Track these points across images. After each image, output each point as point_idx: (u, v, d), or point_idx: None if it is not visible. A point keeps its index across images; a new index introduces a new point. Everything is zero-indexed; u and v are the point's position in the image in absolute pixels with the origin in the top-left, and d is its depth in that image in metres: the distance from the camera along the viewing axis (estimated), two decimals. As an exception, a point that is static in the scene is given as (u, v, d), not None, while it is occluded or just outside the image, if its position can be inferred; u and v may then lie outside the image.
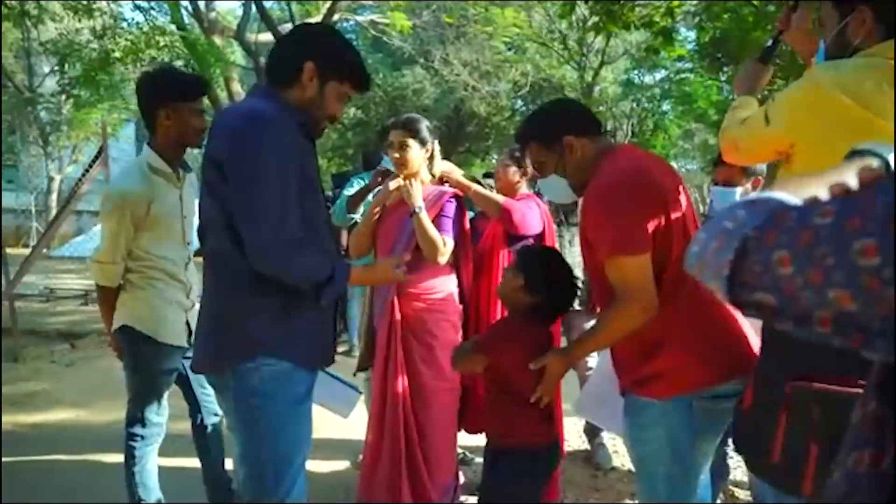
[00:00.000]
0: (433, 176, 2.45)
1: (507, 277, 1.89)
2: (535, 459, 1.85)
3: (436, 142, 2.44)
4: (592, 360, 3.19)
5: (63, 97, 14.83)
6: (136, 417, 2.20)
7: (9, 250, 12.02)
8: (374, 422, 2.42)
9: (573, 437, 3.49)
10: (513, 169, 2.67)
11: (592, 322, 3.14)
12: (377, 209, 2.42)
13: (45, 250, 13.31)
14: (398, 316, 2.35)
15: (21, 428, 3.53)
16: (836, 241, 0.50)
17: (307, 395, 1.61)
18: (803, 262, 0.51)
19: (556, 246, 2.81)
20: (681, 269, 1.47)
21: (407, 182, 2.35)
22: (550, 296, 1.83)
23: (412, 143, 2.35)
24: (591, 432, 3.28)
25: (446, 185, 2.48)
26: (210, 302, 1.58)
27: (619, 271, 1.52)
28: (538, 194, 2.76)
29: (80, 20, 7.69)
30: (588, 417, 2.60)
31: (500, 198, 2.53)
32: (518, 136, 1.81)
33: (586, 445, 3.32)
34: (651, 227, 1.50)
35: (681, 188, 1.63)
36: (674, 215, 1.55)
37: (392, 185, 2.39)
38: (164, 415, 2.26)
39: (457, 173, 2.53)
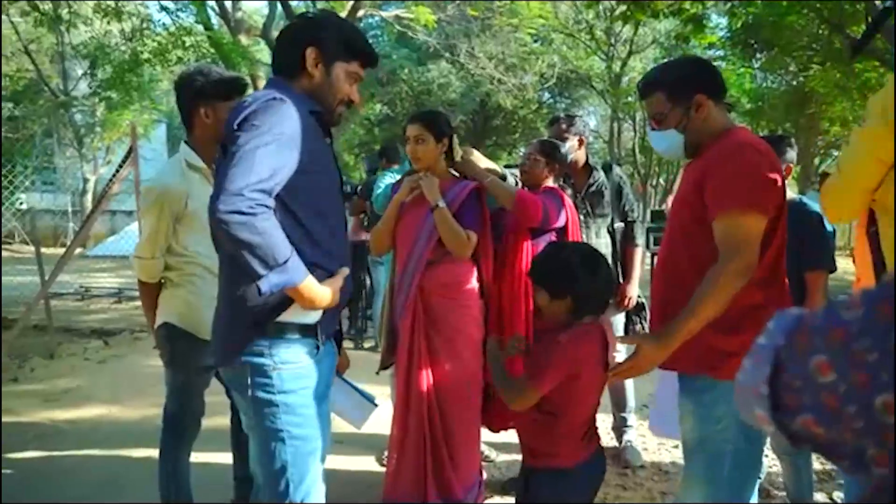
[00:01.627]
0: (451, 169, 2.41)
1: (536, 298, 1.83)
2: (575, 479, 1.77)
3: (454, 136, 2.41)
4: (619, 354, 3.13)
5: (96, 100, 15.19)
6: (173, 414, 2.22)
7: (46, 250, 12.36)
8: (398, 417, 2.41)
9: (601, 434, 3.42)
10: (542, 164, 2.62)
11: (619, 316, 3.14)
12: (396, 206, 2.40)
13: (80, 250, 13.67)
14: (421, 311, 2.33)
15: (58, 423, 3.61)
16: (872, 333, 0.46)
17: (325, 393, 1.59)
18: (843, 364, 0.48)
19: (581, 238, 2.75)
20: (778, 253, 1.57)
21: (425, 177, 2.32)
22: (581, 289, 1.74)
23: (428, 136, 2.34)
24: (620, 430, 3.22)
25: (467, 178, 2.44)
26: (221, 293, 1.56)
27: (735, 226, 1.50)
28: (561, 186, 2.70)
29: (108, 23, 7.84)
30: (663, 434, 2.50)
31: (513, 188, 2.48)
32: (644, 83, 1.75)
33: (615, 443, 3.26)
34: (774, 199, 1.55)
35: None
36: (782, 202, 1.59)
37: (413, 182, 2.36)
38: (201, 412, 2.28)
39: (479, 160, 2.50)
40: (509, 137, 21.43)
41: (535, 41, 17.68)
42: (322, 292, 1.45)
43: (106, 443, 3.30)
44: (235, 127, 1.39)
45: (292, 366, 1.49)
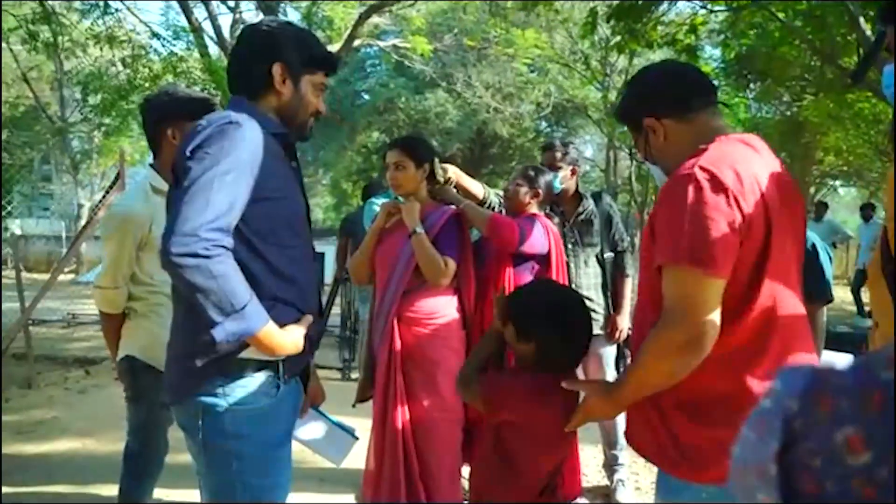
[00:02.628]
0: (433, 195, 2.34)
1: (505, 333, 1.64)
2: None
3: (435, 160, 2.35)
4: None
5: (94, 126, 15.23)
6: (135, 452, 2.11)
7: (39, 276, 12.24)
8: (373, 454, 2.29)
9: (592, 471, 3.30)
10: (524, 189, 2.55)
11: (610, 348, 3.04)
12: (375, 233, 2.33)
13: (72, 276, 13.56)
14: (398, 343, 2.23)
15: (25, 458, 3.46)
16: None
17: (287, 436, 1.47)
18: (882, 440, 0.36)
19: (568, 266, 2.66)
20: (766, 320, 1.21)
21: (406, 202, 2.25)
22: (545, 340, 1.54)
23: (408, 162, 2.28)
24: (611, 468, 3.09)
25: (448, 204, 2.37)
26: (175, 323, 1.43)
27: (675, 285, 1.21)
28: (548, 215, 2.63)
29: (101, 49, 7.87)
30: None
31: (486, 212, 2.41)
32: (615, 113, 1.59)
33: (606, 481, 3.13)
34: (730, 252, 1.19)
35: (792, 204, 1.32)
36: (774, 239, 1.24)
37: (390, 206, 2.29)
38: (164, 451, 2.16)
39: (460, 177, 2.43)
40: (506, 165, 21.48)
41: (532, 71, 17.85)
42: (283, 340, 1.33)
43: (75, 478, 3.16)
44: (188, 155, 1.28)
45: (248, 407, 1.37)
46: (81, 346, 6.43)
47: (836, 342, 2.87)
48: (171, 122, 2.01)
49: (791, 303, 1.29)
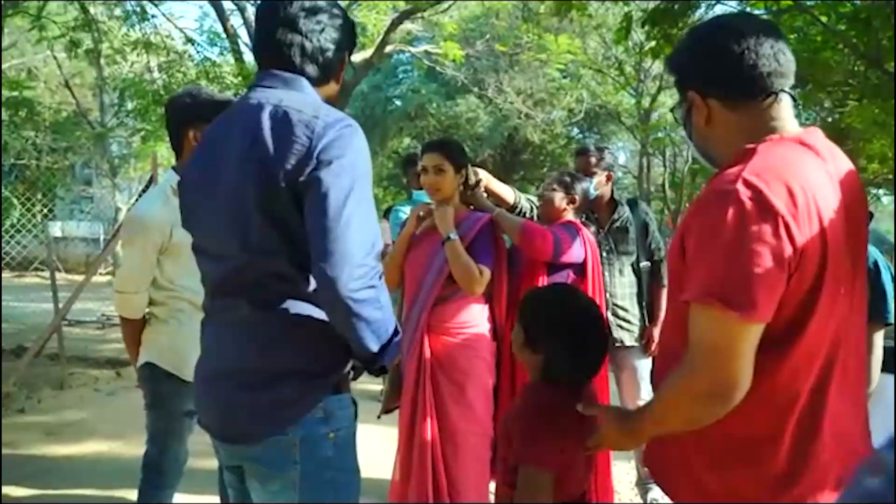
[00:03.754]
0: (464, 200, 2.27)
1: (514, 332, 1.52)
2: None
3: (469, 166, 2.27)
4: (644, 402, 2.89)
5: (133, 131, 15.58)
6: (153, 461, 2.06)
7: (77, 277, 12.54)
8: (399, 468, 2.22)
9: (625, 488, 3.17)
10: (559, 195, 2.46)
11: (646, 361, 2.91)
12: (406, 238, 2.25)
13: (109, 277, 13.84)
14: (428, 353, 2.15)
15: (51, 459, 3.48)
16: None
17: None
18: None
19: (603, 276, 2.55)
20: (814, 350, 1.02)
21: (439, 207, 2.18)
22: (553, 352, 1.42)
23: (448, 166, 2.20)
24: (644, 486, 2.96)
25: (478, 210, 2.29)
26: (238, 350, 1.23)
27: (706, 326, 1.01)
28: (584, 222, 2.52)
29: (138, 56, 8.00)
30: None
31: (519, 220, 2.32)
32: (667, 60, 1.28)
33: (638, 499, 2.99)
34: (781, 284, 0.99)
35: (857, 215, 1.11)
36: (830, 267, 1.03)
37: (421, 210, 2.22)
38: (184, 460, 2.12)
39: (490, 181, 2.35)
40: (537, 172, 21.32)
41: (564, 76, 17.69)
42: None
43: (102, 482, 3.15)
44: (315, 162, 1.13)
45: (346, 431, 1.26)
46: (113, 348, 6.51)
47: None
48: (193, 125, 1.96)
49: (847, 336, 1.10)
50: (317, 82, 1.28)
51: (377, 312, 1.15)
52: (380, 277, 1.16)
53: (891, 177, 15.83)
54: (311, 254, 1.13)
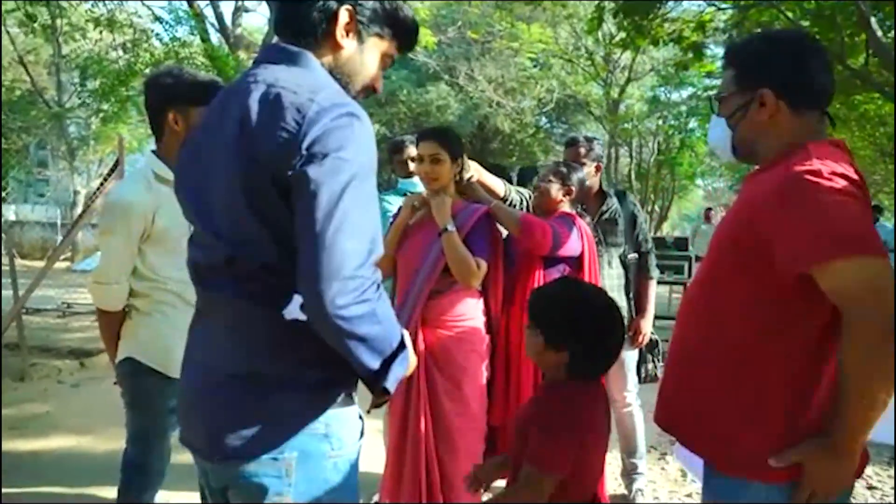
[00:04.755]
0: (460, 191, 2.21)
1: (527, 336, 1.49)
2: None
3: (465, 155, 2.22)
4: (630, 394, 2.90)
5: (92, 112, 15.03)
6: (135, 462, 1.96)
7: (33, 263, 12.06)
8: (391, 464, 2.17)
9: (608, 479, 3.17)
10: (556, 186, 2.42)
11: (632, 353, 2.91)
12: (399, 229, 2.19)
13: (67, 264, 13.38)
14: (422, 346, 2.10)
15: (15, 456, 3.32)
16: None
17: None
18: None
19: (597, 268, 2.53)
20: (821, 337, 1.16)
21: (436, 197, 2.12)
22: (582, 347, 1.41)
23: (445, 155, 2.15)
24: (629, 476, 2.97)
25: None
26: (228, 353, 1.10)
27: (854, 277, 1.08)
28: (580, 213, 2.49)
29: (101, 33, 7.69)
30: (683, 463, 2.27)
31: (517, 213, 2.28)
32: (727, 50, 1.37)
33: (624, 490, 3.01)
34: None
35: None
36: None
37: (415, 200, 2.16)
38: (166, 459, 2.02)
39: (480, 173, 2.30)
40: (507, 160, 21.36)
41: (535, 66, 17.71)
42: (413, 356, 1.17)
43: (69, 478, 3.02)
44: (303, 154, 0.98)
45: (351, 449, 1.12)
46: (76, 337, 6.28)
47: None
48: (174, 106, 1.85)
49: None
50: (314, 44, 1.13)
51: (375, 328, 1.01)
52: (377, 287, 1.02)
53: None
54: (298, 262, 0.99)
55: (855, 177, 1.16)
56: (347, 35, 1.14)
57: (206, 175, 1.11)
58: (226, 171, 1.06)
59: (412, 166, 2.90)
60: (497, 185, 2.48)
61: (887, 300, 1.07)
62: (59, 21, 9.00)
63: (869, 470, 3.22)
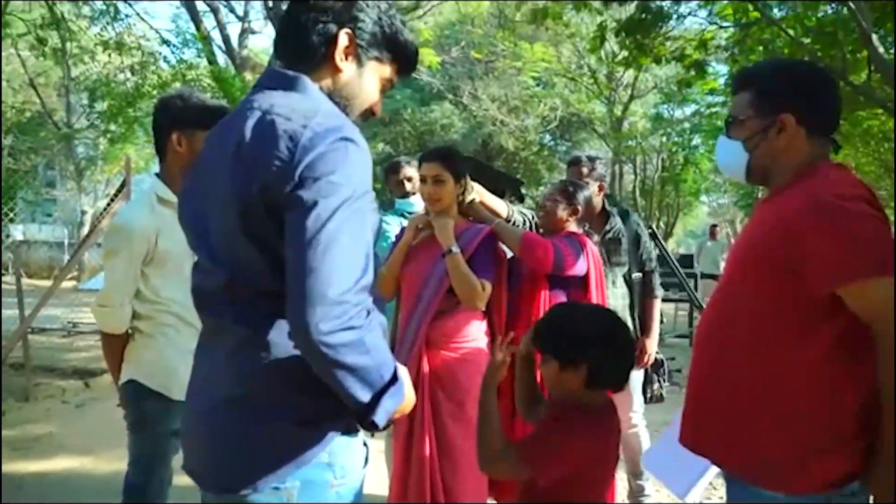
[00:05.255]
0: (462, 212, 2.22)
1: (543, 370, 1.50)
2: None
3: (468, 176, 2.23)
4: (636, 414, 2.88)
5: (100, 133, 15.20)
6: (135, 484, 1.95)
7: (40, 282, 12.11)
8: (395, 486, 2.15)
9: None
10: (561, 206, 2.40)
11: (637, 373, 2.89)
12: (403, 250, 2.20)
13: (73, 283, 13.44)
14: (426, 368, 2.09)
15: (19, 477, 3.31)
16: None
17: None
18: None
19: (603, 289, 2.52)
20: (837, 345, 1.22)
21: (438, 218, 2.13)
22: (599, 356, 1.42)
23: (448, 176, 2.15)
24: (636, 497, 2.94)
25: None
26: (229, 378, 1.08)
27: (885, 293, 1.16)
28: (587, 233, 2.48)
29: (109, 56, 7.79)
30: (654, 473, 2.29)
31: (519, 231, 2.27)
32: (739, 75, 1.44)
33: (631, 510, 2.97)
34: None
35: None
36: None
37: (420, 221, 2.17)
38: (168, 483, 2.01)
39: (482, 195, 2.30)
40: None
41: (538, 84, 17.83)
42: (411, 392, 1.13)
43: (72, 499, 3.01)
44: (296, 180, 0.97)
45: (354, 479, 1.11)
46: (81, 357, 6.28)
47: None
48: (179, 129, 1.87)
49: None
50: (313, 68, 1.12)
51: (363, 358, 0.98)
52: (367, 314, 0.99)
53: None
54: (286, 286, 0.97)
55: (870, 196, 1.24)
56: (347, 58, 1.14)
57: (205, 201, 1.11)
58: (223, 197, 1.05)
59: (408, 186, 2.93)
60: (500, 206, 2.48)
61: None
62: (69, 44, 9.14)
63: None
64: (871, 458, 1.22)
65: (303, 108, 1.04)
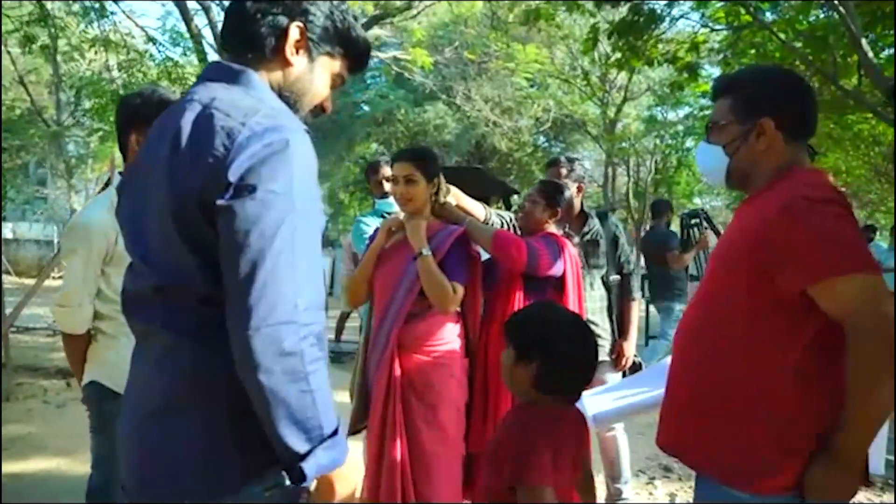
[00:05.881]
0: (435, 213, 2.21)
1: (503, 357, 1.52)
2: None
3: (441, 176, 2.21)
4: (619, 429, 2.86)
5: (91, 131, 15.11)
6: (99, 488, 1.93)
7: (29, 280, 12.04)
8: (367, 488, 2.13)
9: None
10: (541, 206, 2.39)
11: (615, 375, 2.88)
12: (374, 253, 2.18)
13: (60, 282, 13.36)
14: (398, 371, 2.08)
15: (-2, 477, 3.28)
16: None
17: None
18: None
19: (580, 291, 2.51)
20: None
21: (410, 220, 2.11)
22: (553, 355, 1.43)
23: (419, 176, 2.12)
24: (614, 501, 2.93)
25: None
26: (154, 390, 1.02)
27: (855, 292, 1.17)
28: (567, 235, 2.46)
29: (95, 53, 7.73)
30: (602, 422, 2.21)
31: (490, 229, 2.25)
32: (718, 82, 1.47)
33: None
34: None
35: None
36: None
37: (392, 224, 2.15)
38: None
39: (460, 198, 2.29)
40: (504, 179, 21.47)
41: (532, 85, 17.83)
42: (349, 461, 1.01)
43: (51, 501, 2.98)
44: (235, 179, 0.91)
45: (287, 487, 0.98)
46: (64, 357, 6.24)
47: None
48: (136, 127, 1.83)
49: None
50: (262, 61, 1.08)
51: (304, 398, 0.90)
52: (317, 341, 0.92)
53: (844, 189, 16.41)
54: (226, 305, 0.92)
55: (840, 199, 1.27)
56: (297, 52, 1.10)
57: (141, 198, 1.06)
58: (157, 195, 1.00)
59: (388, 186, 2.91)
60: (477, 209, 2.47)
61: (886, 314, 1.15)
62: (59, 41, 9.08)
63: (861, 496, 3.18)
64: (815, 459, 1.21)
65: (244, 104, 0.99)
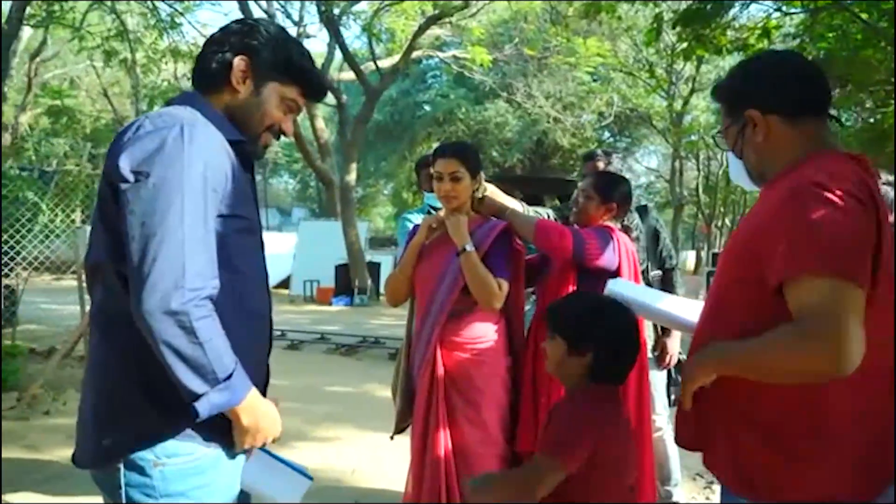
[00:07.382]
0: (475, 207, 2.17)
1: (548, 348, 1.55)
2: None
3: (482, 173, 2.17)
4: (661, 417, 2.74)
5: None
6: None
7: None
8: (412, 485, 2.13)
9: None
10: (594, 203, 2.27)
11: (661, 374, 2.76)
12: (415, 250, 2.16)
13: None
14: (441, 370, 2.06)
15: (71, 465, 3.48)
16: None
17: (233, 487, 1.27)
18: None
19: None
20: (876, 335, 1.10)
21: (451, 216, 2.09)
22: (607, 346, 1.47)
23: (464, 173, 2.08)
24: (661, 500, 2.82)
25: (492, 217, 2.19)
26: (96, 372, 1.21)
27: (818, 294, 1.06)
28: (625, 229, 2.35)
29: (166, 64, 8.14)
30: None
31: (532, 218, 2.18)
32: (711, 92, 1.45)
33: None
34: (869, 258, 1.11)
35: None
36: (883, 265, 1.14)
37: (433, 221, 2.13)
38: None
39: (496, 195, 2.23)
40: (567, 176, 21.15)
41: (594, 79, 17.49)
42: (268, 411, 1.21)
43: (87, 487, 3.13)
44: (132, 176, 1.10)
45: (182, 459, 1.17)
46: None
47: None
48: None
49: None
50: (206, 92, 1.29)
51: (195, 349, 1.07)
52: (206, 304, 1.09)
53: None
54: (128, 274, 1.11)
55: (861, 195, 1.12)
56: (244, 81, 1.28)
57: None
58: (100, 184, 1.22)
59: None
60: (514, 206, 2.41)
61: (842, 328, 1.03)
62: (137, 55, 9.63)
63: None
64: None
65: (168, 112, 1.20)
